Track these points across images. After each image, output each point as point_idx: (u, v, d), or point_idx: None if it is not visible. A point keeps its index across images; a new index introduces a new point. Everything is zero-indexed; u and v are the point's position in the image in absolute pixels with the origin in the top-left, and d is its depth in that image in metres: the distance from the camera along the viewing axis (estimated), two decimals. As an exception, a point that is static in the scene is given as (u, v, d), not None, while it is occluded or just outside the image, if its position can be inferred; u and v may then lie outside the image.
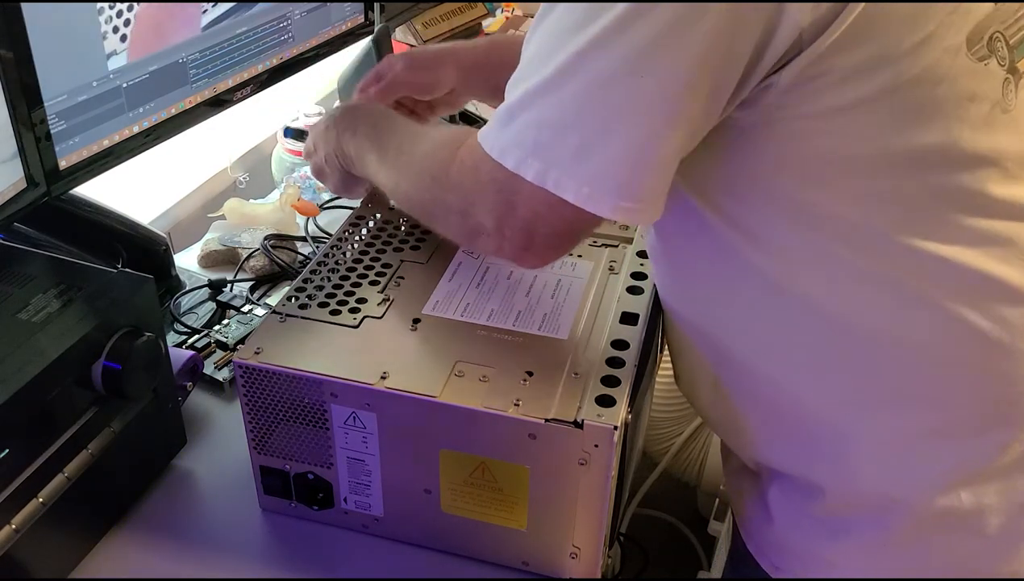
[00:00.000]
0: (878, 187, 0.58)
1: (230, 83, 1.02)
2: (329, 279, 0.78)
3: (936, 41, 0.54)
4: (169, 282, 1.02)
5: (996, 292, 0.59)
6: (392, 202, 0.87)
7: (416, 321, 0.73)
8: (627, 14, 0.53)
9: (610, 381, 0.66)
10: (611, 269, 0.80)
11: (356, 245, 0.83)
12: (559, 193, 0.57)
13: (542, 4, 0.59)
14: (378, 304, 0.75)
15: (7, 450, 0.61)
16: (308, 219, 1.12)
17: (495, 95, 0.76)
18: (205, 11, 0.95)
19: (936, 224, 0.58)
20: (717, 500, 1.34)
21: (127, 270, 0.72)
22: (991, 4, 0.58)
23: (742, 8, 0.52)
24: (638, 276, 0.79)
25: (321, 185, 0.98)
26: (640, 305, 0.75)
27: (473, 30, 1.67)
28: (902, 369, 0.62)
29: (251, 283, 1.03)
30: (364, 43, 1.32)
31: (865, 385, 0.63)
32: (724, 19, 0.52)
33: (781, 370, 0.65)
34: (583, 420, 0.62)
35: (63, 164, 0.82)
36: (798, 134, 0.57)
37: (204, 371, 0.88)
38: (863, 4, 0.52)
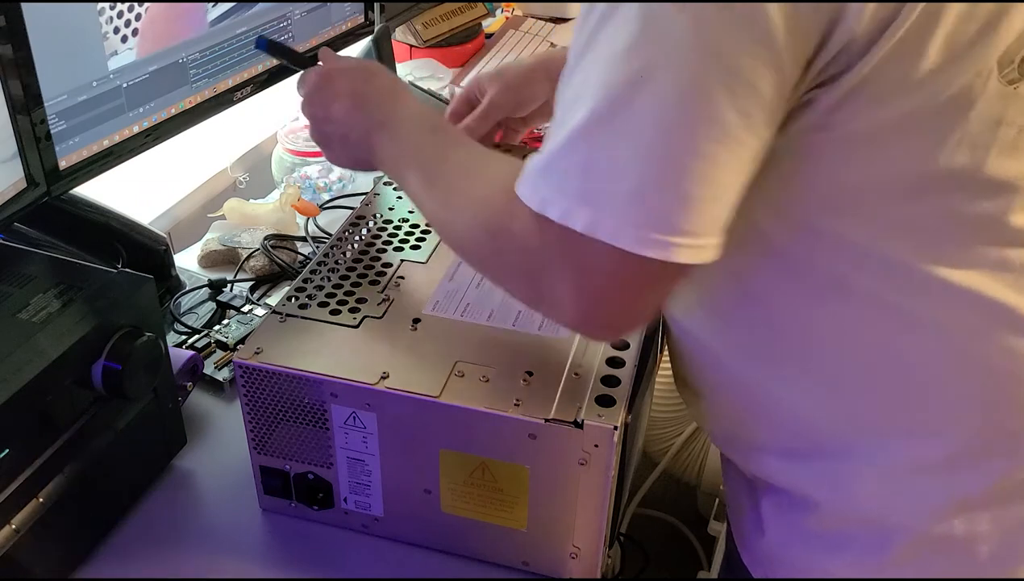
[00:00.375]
0: (900, 213, 0.56)
1: (230, 83, 1.02)
2: (329, 279, 0.78)
3: (969, 63, 0.52)
4: (169, 282, 1.02)
5: (1006, 320, 0.58)
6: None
7: (416, 321, 0.73)
8: (675, 40, 0.49)
9: (610, 381, 0.66)
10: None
11: (356, 245, 0.83)
12: (617, 243, 0.51)
13: (571, 52, 0.54)
14: (378, 304, 0.75)
15: (7, 450, 0.61)
16: (308, 219, 1.12)
17: None
18: (205, 11, 0.95)
19: (953, 251, 0.57)
20: (717, 500, 1.34)
21: (127, 270, 0.72)
22: (1022, 25, 0.54)
23: (800, 18, 0.49)
24: (638, 276, 0.79)
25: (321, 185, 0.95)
26: (640, 305, 0.75)
27: (473, 30, 1.67)
28: (910, 396, 0.61)
29: (251, 283, 1.03)
30: (364, 43, 1.33)
31: (871, 410, 0.62)
32: (782, 33, 0.48)
33: (785, 388, 0.65)
34: (583, 420, 0.62)
35: (63, 164, 0.82)
36: (825, 158, 0.55)
37: (204, 371, 0.88)
38: (914, 17, 0.50)
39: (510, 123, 0.94)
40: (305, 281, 0.78)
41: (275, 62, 1.08)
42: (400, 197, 0.91)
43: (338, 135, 0.77)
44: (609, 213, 0.51)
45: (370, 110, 0.75)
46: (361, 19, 1.25)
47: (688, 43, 0.49)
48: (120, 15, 0.85)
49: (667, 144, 0.50)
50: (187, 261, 1.08)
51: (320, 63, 0.82)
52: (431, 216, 0.69)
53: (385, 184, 0.93)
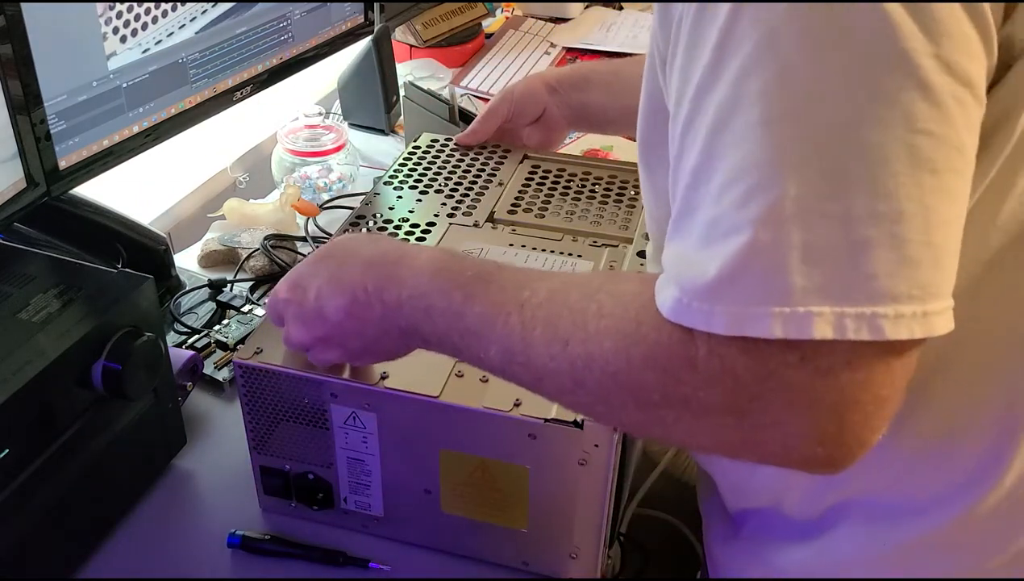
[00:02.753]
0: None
1: (230, 83, 1.02)
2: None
3: None
4: (169, 282, 1.02)
5: None
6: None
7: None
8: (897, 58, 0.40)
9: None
10: (611, 269, 0.80)
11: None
12: (870, 334, 0.40)
13: (683, 116, 0.45)
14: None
15: (7, 450, 0.61)
16: (308, 219, 1.12)
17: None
18: (205, 11, 0.95)
19: None
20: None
21: (127, 270, 0.72)
22: None
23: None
24: (638, 276, 0.79)
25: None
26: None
27: (473, 30, 1.67)
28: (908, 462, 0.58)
29: (251, 283, 1.03)
30: (364, 43, 1.33)
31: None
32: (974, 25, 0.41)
33: None
34: (583, 420, 0.62)
35: (63, 164, 0.82)
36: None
37: (204, 371, 0.88)
38: None
39: (508, 130, 0.99)
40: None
41: (275, 62, 1.08)
42: (400, 197, 0.91)
43: (355, 339, 0.61)
44: (852, 302, 0.40)
45: (367, 293, 0.59)
46: (361, 19, 1.25)
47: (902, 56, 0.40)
48: (120, 15, 0.85)
49: (919, 191, 0.41)
50: (187, 261, 1.08)
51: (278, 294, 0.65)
52: (537, 376, 0.52)
53: (385, 183, 0.93)
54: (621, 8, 1.93)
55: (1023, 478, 0.56)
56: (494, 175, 0.94)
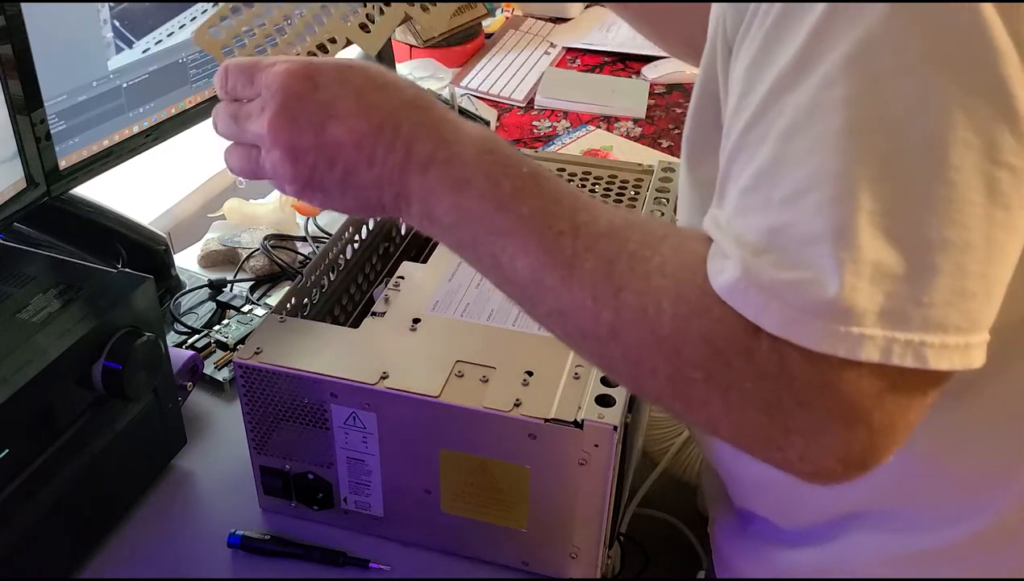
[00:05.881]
0: None
1: (230, 83, 1.02)
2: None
3: None
4: (169, 282, 1.02)
5: None
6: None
7: (416, 321, 0.73)
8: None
9: (610, 381, 0.66)
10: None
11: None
12: (931, 363, 0.40)
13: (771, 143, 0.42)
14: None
15: (7, 450, 0.61)
16: (308, 219, 1.12)
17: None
18: (205, 11, 0.95)
19: None
20: (717, 500, 1.33)
21: (127, 270, 0.72)
22: None
23: None
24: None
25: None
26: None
27: (473, 30, 1.67)
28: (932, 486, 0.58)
29: (251, 283, 1.03)
30: (364, 43, 1.32)
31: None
32: None
33: None
34: (583, 420, 0.62)
35: (63, 164, 0.82)
36: None
37: (204, 371, 0.88)
38: None
39: None
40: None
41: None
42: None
43: (340, 170, 0.51)
44: (904, 329, 0.40)
45: (397, 132, 0.50)
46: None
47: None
48: (119, 15, 0.85)
49: (989, 224, 0.40)
50: (187, 261, 1.08)
51: (274, 65, 0.52)
52: (563, 308, 0.47)
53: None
54: (621, 8, 1.93)
55: None
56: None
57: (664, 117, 1.48)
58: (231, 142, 0.54)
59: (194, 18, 0.94)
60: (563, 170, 0.95)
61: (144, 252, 0.99)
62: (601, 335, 0.46)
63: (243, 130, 0.52)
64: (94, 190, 0.92)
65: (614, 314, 0.45)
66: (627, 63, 1.67)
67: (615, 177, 0.94)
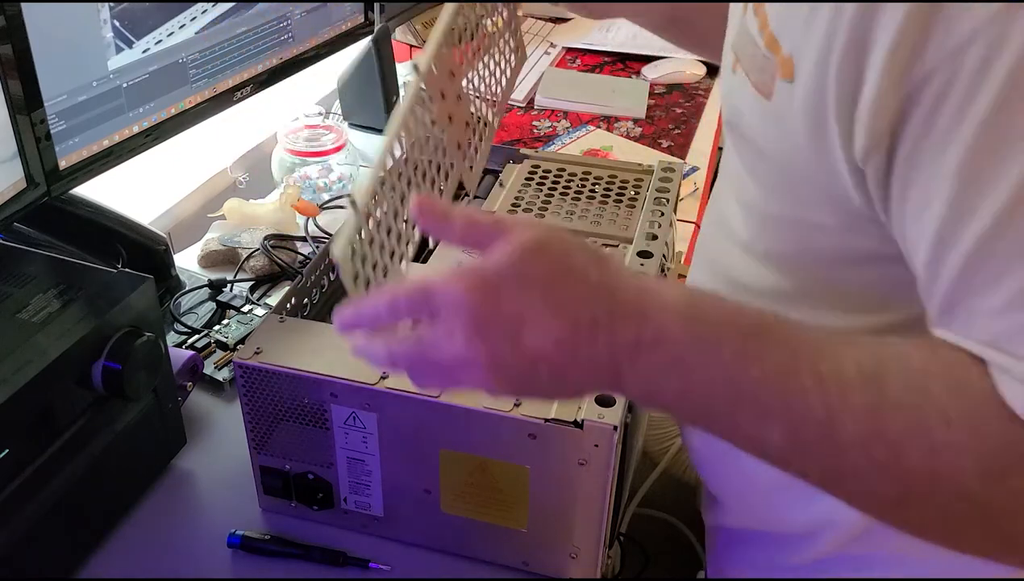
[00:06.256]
0: None
1: (230, 83, 1.02)
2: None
3: None
4: (169, 282, 1.02)
5: None
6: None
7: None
8: None
9: (610, 381, 0.66)
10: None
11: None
12: None
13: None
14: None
15: (7, 450, 0.61)
16: (308, 219, 1.12)
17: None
18: (205, 11, 0.95)
19: None
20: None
21: (127, 270, 0.72)
22: None
23: None
24: (638, 276, 0.79)
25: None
26: (640, 305, 0.75)
27: (473, 30, 1.66)
28: None
29: (251, 283, 1.03)
30: (364, 43, 1.33)
31: None
32: None
33: None
34: (583, 420, 0.62)
35: (63, 164, 0.82)
36: None
37: (204, 371, 0.88)
38: None
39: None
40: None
41: (275, 62, 1.08)
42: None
43: (546, 375, 0.46)
44: None
45: (595, 324, 0.45)
46: (361, 19, 1.25)
47: None
48: (119, 15, 0.85)
49: None
50: (187, 261, 1.08)
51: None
52: (840, 475, 0.43)
53: (385, 184, 0.93)
54: (621, 8, 1.93)
55: None
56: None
57: (664, 117, 1.49)
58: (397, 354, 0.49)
59: (194, 18, 0.94)
60: (563, 170, 0.95)
61: (144, 252, 0.99)
62: (890, 499, 0.42)
63: (433, 361, 0.47)
64: (94, 190, 0.92)
65: (901, 478, 0.41)
66: (627, 63, 1.67)
67: (615, 177, 0.94)
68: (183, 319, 0.96)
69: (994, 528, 0.41)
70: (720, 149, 2.06)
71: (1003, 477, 0.39)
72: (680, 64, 1.61)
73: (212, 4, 0.96)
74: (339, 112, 1.41)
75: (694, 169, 1.32)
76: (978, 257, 0.40)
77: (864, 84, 0.42)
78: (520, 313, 0.44)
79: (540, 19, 1.82)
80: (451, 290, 0.45)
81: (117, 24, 0.85)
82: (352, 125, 1.38)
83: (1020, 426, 0.39)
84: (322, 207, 1.16)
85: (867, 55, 0.41)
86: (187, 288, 1.02)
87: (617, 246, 0.83)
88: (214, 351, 0.92)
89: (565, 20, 1.84)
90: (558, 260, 0.45)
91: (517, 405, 0.64)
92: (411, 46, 1.60)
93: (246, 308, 0.98)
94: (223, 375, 0.89)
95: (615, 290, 0.45)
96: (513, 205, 0.89)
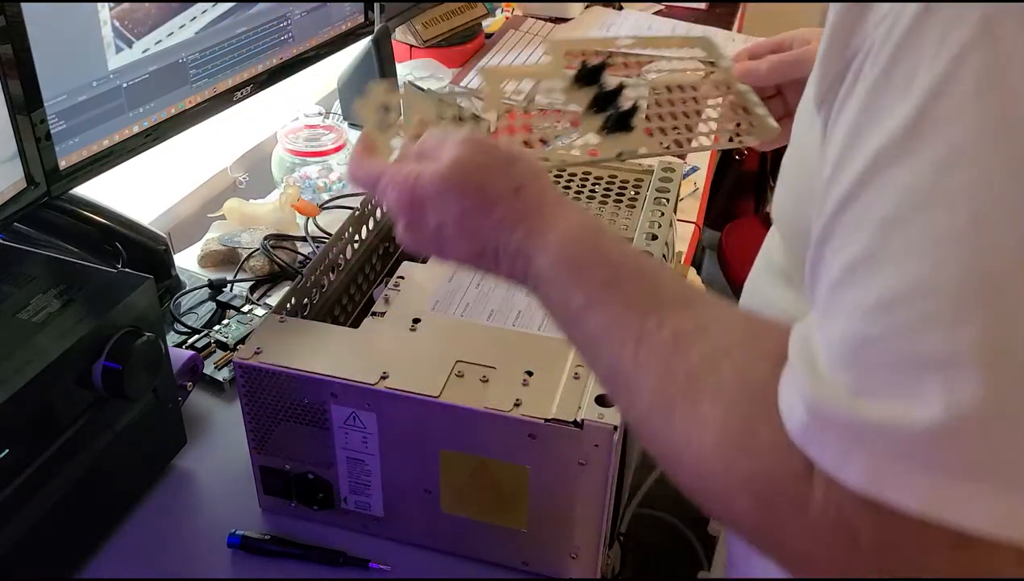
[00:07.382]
0: None
1: (230, 83, 1.02)
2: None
3: None
4: (169, 282, 1.02)
5: None
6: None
7: (416, 321, 0.73)
8: None
9: (610, 381, 0.66)
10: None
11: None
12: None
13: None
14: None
15: (7, 450, 0.61)
16: (308, 219, 1.12)
17: None
18: (205, 11, 0.95)
19: None
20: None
21: (127, 270, 0.72)
22: None
23: None
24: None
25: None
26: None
27: (473, 30, 1.67)
28: None
29: (251, 283, 1.03)
30: (364, 43, 1.33)
31: None
32: None
33: None
34: (583, 420, 0.62)
35: (63, 164, 0.82)
36: None
37: (204, 371, 0.88)
38: None
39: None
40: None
41: (275, 62, 1.08)
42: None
43: (464, 265, 0.56)
44: (1012, 490, 0.32)
45: (499, 257, 0.52)
46: (361, 19, 1.25)
47: None
48: (120, 15, 0.85)
49: None
50: (187, 261, 1.08)
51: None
52: (639, 418, 0.45)
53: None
54: (621, 8, 1.93)
55: None
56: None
57: (664, 117, 1.48)
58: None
59: (194, 18, 0.94)
60: (563, 170, 0.95)
61: (144, 252, 0.99)
62: (669, 457, 0.43)
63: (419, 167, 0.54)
64: (94, 190, 0.92)
65: (666, 437, 0.42)
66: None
67: (615, 177, 0.94)
68: (183, 319, 0.96)
69: (737, 523, 0.41)
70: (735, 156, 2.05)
71: (746, 463, 0.38)
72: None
73: (212, 4, 0.96)
74: (339, 112, 1.41)
75: (694, 169, 1.32)
76: (828, 228, 0.37)
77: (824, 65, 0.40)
78: (439, 231, 0.53)
79: (540, 19, 1.82)
80: (388, 194, 0.55)
81: (117, 24, 0.85)
82: (352, 125, 1.38)
83: (782, 435, 0.36)
84: (322, 207, 1.16)
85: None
86: (187, 288, 1.02)
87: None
88: (214, 351, 0.92)
89: (565, 20, 1.84)
90: (477, 190, 0.52)
91: (517, 405, 0.64)
92: (411, 46, 1.60)
93: (246, 308, 0.98)
94: (223, 375, 0.89)
95: (512, 228, 0.51)
96: (513, 205, 0.89)
